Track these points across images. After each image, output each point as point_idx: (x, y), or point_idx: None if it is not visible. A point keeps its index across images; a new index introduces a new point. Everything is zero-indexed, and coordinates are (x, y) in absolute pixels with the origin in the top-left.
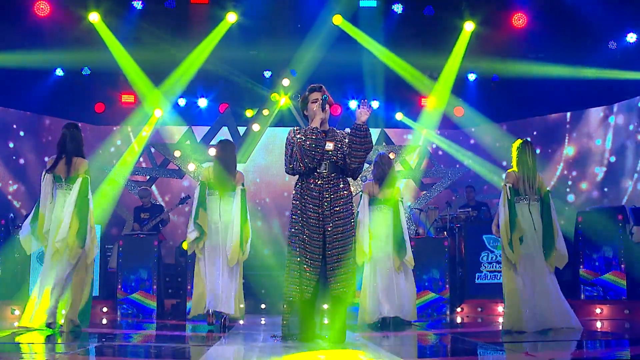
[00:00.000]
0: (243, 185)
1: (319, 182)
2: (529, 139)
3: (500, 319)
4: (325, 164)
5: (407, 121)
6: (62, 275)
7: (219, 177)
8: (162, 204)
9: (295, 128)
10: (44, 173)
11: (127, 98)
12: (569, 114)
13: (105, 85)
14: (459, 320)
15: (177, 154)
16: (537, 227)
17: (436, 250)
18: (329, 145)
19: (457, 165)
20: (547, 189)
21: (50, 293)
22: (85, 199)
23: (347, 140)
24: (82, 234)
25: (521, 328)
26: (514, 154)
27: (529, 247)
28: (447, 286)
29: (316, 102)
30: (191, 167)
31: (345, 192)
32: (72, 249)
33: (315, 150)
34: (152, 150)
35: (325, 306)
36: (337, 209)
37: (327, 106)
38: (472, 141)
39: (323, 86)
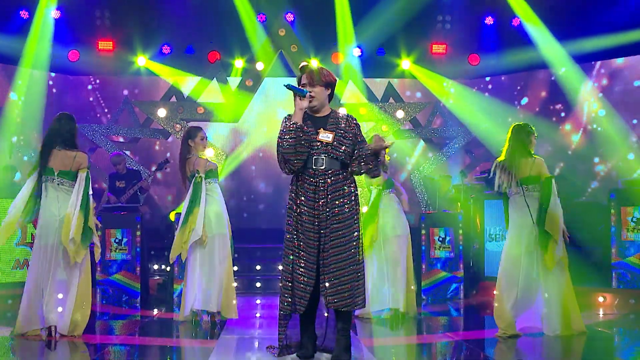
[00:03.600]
0: None
1: (314, 179)
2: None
3: None
4: (322, 158)
5: (418, 69)
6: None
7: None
8: (139, 168)
9: (287, 116)
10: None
11: (104, 45)
12: (598, 63)
13: (79, 30)
14: (473, 304)
15: (161, 112)
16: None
17: (449, 225)
18: (328, 137)
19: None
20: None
21: None
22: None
23: (355, 133)
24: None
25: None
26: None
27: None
28: (461, 265)
29: (305, 86)
30: (178, 127)
31: (347, 189)
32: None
33: (295, 150)
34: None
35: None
36: (336, 210)
37: (308, 92)
38: (486, 94)
39: (305, 65)
